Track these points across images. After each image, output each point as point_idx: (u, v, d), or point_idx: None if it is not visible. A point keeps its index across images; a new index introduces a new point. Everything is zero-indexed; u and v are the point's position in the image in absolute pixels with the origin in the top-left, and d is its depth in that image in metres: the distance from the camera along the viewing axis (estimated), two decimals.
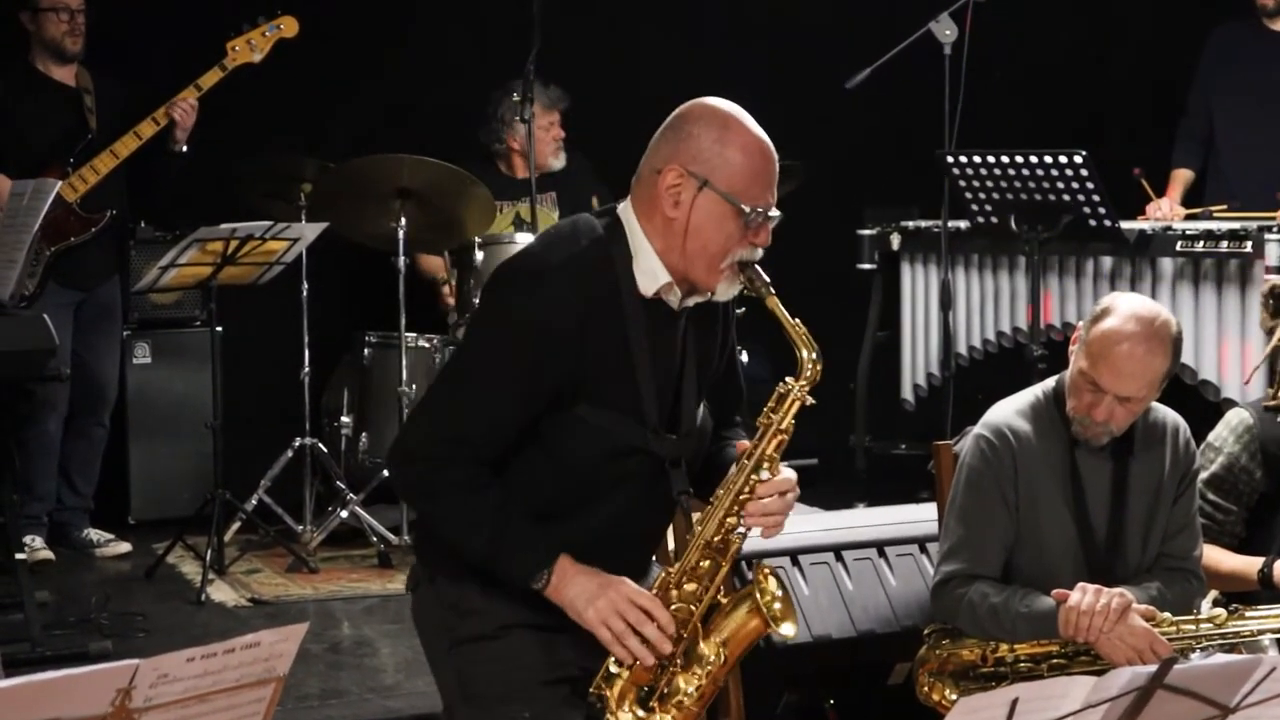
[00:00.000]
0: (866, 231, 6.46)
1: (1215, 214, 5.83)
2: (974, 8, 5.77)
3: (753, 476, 2.79)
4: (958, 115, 5.71)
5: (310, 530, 5.97)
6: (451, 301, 6.15)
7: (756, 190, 2.76)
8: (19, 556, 4.79)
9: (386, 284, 6.02)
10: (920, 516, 4.19)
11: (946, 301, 5.96)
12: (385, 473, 5.87)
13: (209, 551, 5.59)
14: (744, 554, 2.97)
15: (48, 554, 5.74)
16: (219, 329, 5.78)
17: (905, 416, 6.51)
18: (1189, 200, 6.18)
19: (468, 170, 5.93)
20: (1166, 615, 3.27)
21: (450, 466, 2.76)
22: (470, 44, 6.88)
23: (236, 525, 5.97)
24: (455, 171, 5.89)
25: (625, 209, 2.83)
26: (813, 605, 4.00)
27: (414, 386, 5.99)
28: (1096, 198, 5.38)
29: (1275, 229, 5.23)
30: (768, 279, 2.79)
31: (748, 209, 2.74)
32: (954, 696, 3.37)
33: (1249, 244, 5.24)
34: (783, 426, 2.80)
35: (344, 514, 5.94)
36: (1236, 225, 5.35)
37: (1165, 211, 5.94)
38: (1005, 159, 5.45)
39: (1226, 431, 3.71)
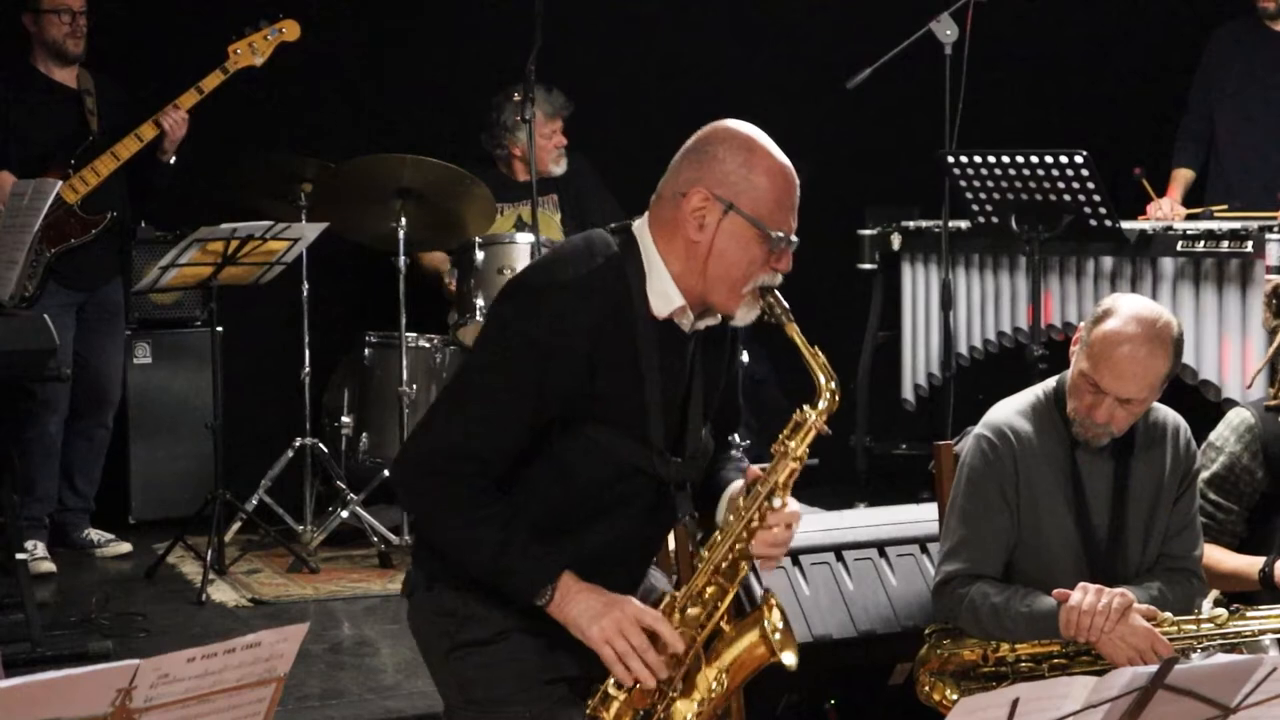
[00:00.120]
0: (867, 231, 6.45)
1: (1216, 214, 5.83)
2: (974, 7, 5.77)
3: (765, 504, 2.78)
4: (958, 115, 5.71)
5: (311, 530, 5.97)
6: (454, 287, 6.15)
7: (781, 215, 2.76)
8: (19, 557, 4.79)
9: (387, 284, 6.02)
10: (921, 517, 4.19)
11: (947, 301, 5.96)
12: (386, 473, 5.88)
13: (209, 552, 5.59)
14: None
15: (50, 566, 5.73)
16: (219, 329, 5.78)
17: (906, 417, 6.51)
18: (1190, 200, 6.18)
19: (468, 171, 5.93)
20: (1167, 615, 3.27)
21: (455, 481, 2.75)
22: (470, 44, 6.88)
23: (237, 525, 5.96)
24: (455, 171, 5.89)
25: (641, 228, 2.82)
26: (813, 605, 4.00)
27: (414, 386, 5.99)
28: (1097, 198, 5.38)
29: (1276, 229, 5.22)
30: (787, 305, 2.79)
31: (773, 234, 2.74)
32: (955, 696, 3.37)
33: (1250, 244, 5.23)
34: (798, 455, 2.78)
35: (344, 514, 5.94)
36: (1237, 225, 5.34)
37: (1166, 211, 5.94)
38: (1006, 159, 5.45)
39: (1228, 431, 3.71)
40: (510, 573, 2.75)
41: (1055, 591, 3.26)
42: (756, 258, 2.75)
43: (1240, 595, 3.55)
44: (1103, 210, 5.40)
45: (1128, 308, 3.31)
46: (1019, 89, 7.49)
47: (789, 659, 2.78)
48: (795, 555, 4.02)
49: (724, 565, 2.79)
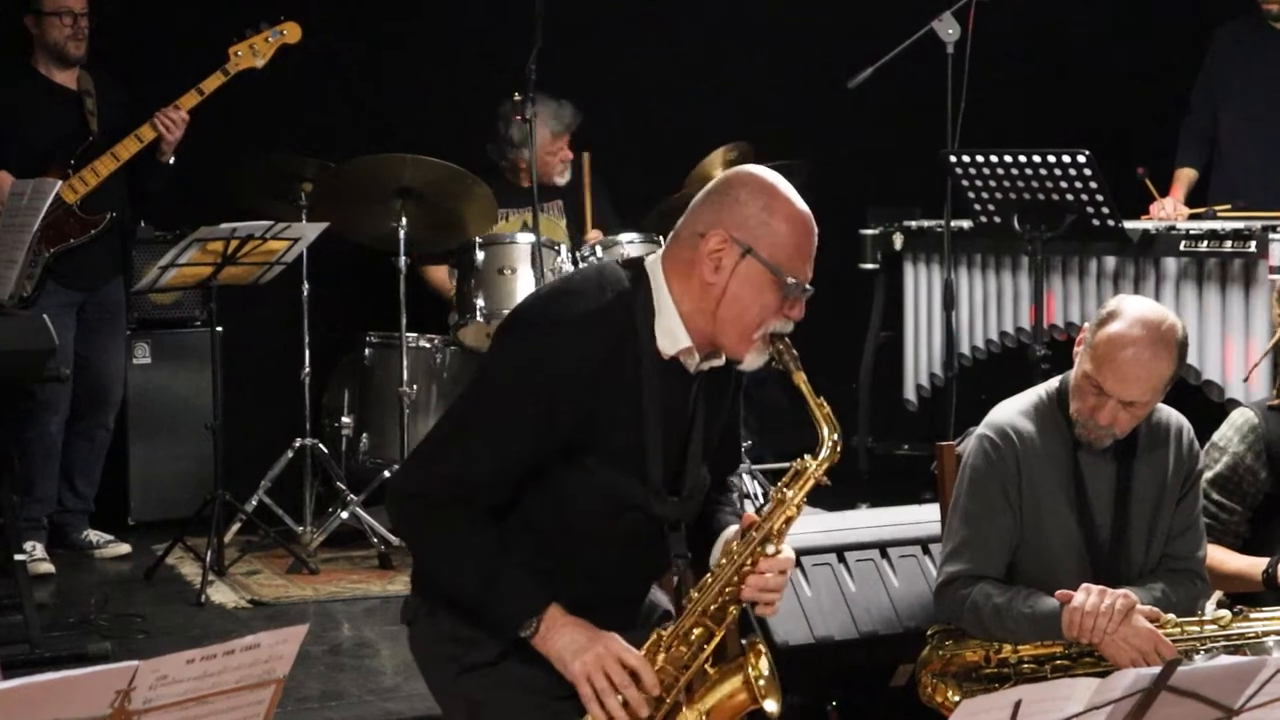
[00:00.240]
0: (869, 231, 6.45)
1: (1219, 213, 5.82)
2: (976, 6, 5.76)
3: (758, 550, 2.77)
4: (960, 114, 5.71)
5: (310, 531, 5.96)
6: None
7: (798, 263, 2.75)
8: (18, 558, 4.78)
9: (387, 284, 6.01)
10: (923, 517, 4.18)
11: (949, 301, 5.95)
12: (386, 474, 5.88)
13: (209, 553, 5.58)
14: None
15: (49, 567, 5.72)
16: (219, 329, 5.78)
17: (908, 417, 6.50)
18: (1193, 200, 6.17)
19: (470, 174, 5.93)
20: (1170, 617, 3.27)
21: (448, 508, 2.75)
22: (471, 44, 6.88)
23: (236, 526, 5.96)
24: (456, 171, 5.88)
25: (654, 265, 2.81)
26: (815, 607, 3.99)
27: (414, 387, 5.99)
28: (1100, 197, 5.37)
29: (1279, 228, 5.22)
30: (797, 354, 2.78)
31: (789, 280, 2.73)
32: (957, 698, 3.36)
33: (1253, 243, 5.23)
34: (795, 503, 2.78)
35: (344, 515, 5.93)
36: (1240, 225, 5.34)
37: (1169, 211, 5.93)
38: (1008, 158, 5.44)
39: (1231, 431, 3.70)
40: (497, 601, 2.74)
41: (1058, 593, 3.25)
42: (770, 303, 2.74)
43: (1243, 596, 3.54)
44: (1105, 210, 5.39)
45: (1132, 310, 3.30)
46: (1021, 88, 7.49)
47: (771, 706, 2.76)
48: (797, 556, 4.00)
49: (713, 608, 2.78)
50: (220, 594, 5.48)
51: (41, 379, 4.82)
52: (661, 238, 5.66)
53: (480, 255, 5.93)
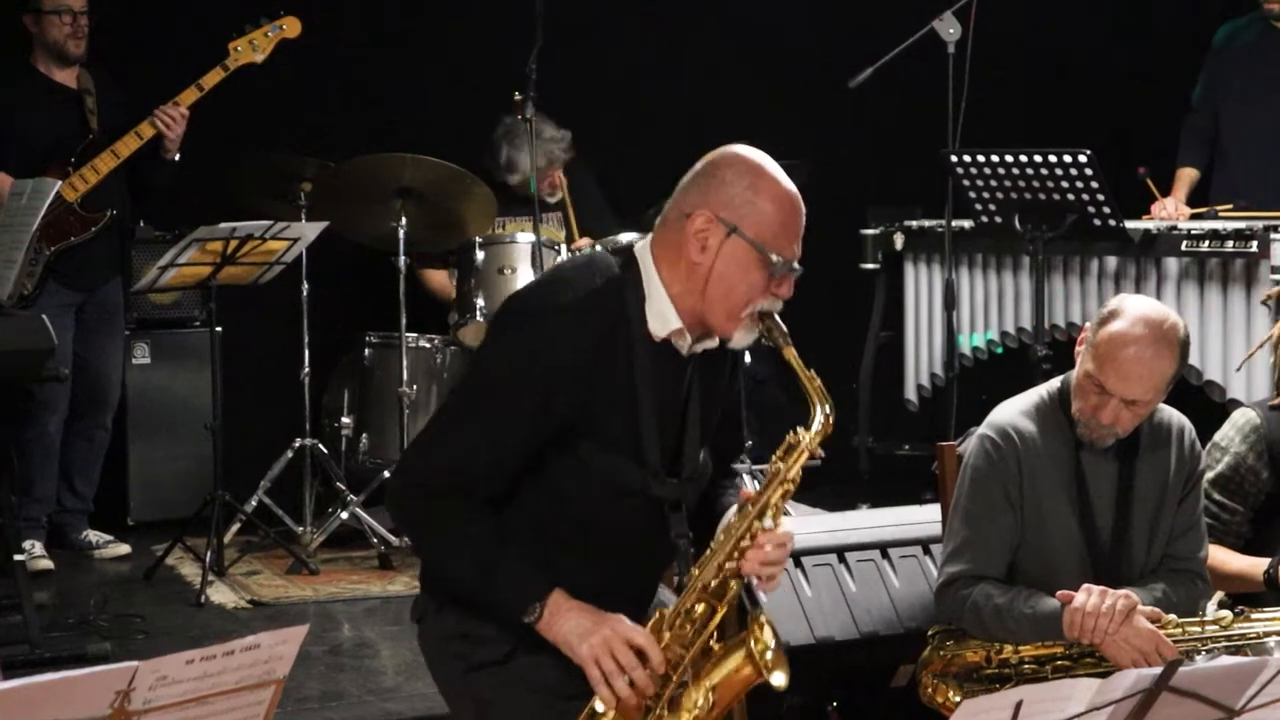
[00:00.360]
0: (870, 231, 6.44)
1: (1220, 213, 5.81)
2: (977, 6, 5.75)
3: (755, 523, 2.77)
4: (961, 114, 5.70)
5: (310, 531, 5.96)
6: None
7: (784, 241, 2.75)
8: (18, 558, 4.78)
9: (387, 284, 6.01)
10: (924, 518, 4.17)
11: (950, 301, 5.94)
12: (386, 474, 5.87)
13: (208, 553, 5.58)
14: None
15: (48, 564, 5.72)
16: (219, 329, 5.77)
17: (909, 417, 6.50)
18: (1194, 199, 6.17)
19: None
20: (1172, 617, 3.26)
21: (448, 498, 2.76)
22: (471, 44, 6.87)
23: (236, 526, 5.96)
24: (456, 171, 5.88)
25: (643, 249, 2.82)
26: (816, 607, 3.98)
27: (414, 387, 5.98)
28: (1101, 197, 5.37)
29: None
30: (785, 330, 2.78)
31: (775, 259, 2.73)
32: (958, 698, 3.35)
33: (1254, 244, 5.22)
34: (790, 476, 2.77)
35: (344, 515, 5.93)
36: (1242, 225, 5.34)
37: (1170, 211, 5.92)
38: (1009, 158, 5.44)
39: (1233, 431, 3.69)
40: (499, 588, 2.74)
41: (1059, 593, 3.24)
42: (757, 282, 2.74)
43: (1245, 597, 3.53)
44: (1107, 210, 5.39)
45: (1134, 309, 3.30)
46: (1022, 88, 7.49)
47: (778, 679, 2.76)
48: (797, 557, 4.01)
49: (713, 584, 2.77)
50: (220, 594, 5.48)
51: (40, 379, 4.82)
52: None
53: (480, 255, 5.94)
